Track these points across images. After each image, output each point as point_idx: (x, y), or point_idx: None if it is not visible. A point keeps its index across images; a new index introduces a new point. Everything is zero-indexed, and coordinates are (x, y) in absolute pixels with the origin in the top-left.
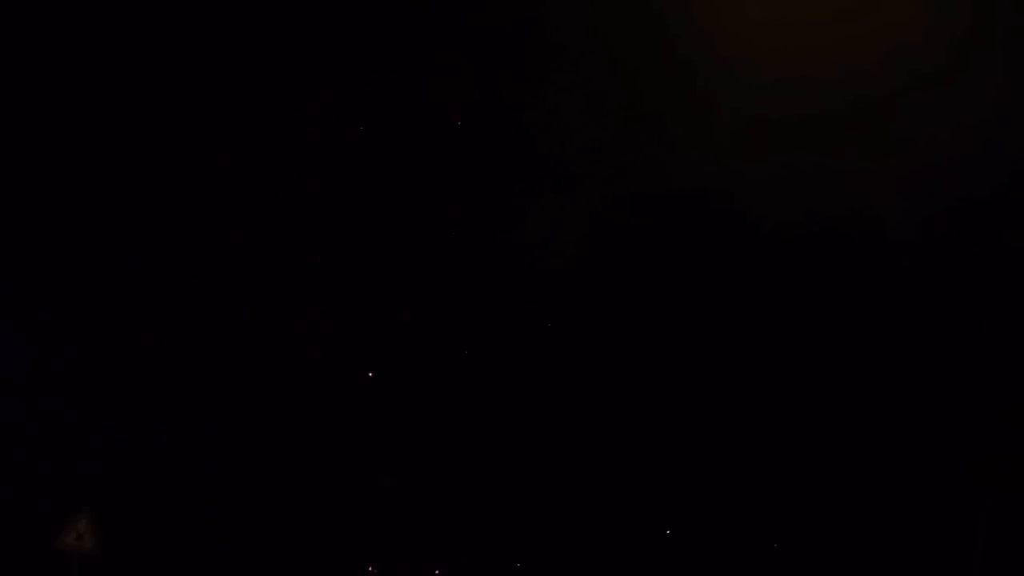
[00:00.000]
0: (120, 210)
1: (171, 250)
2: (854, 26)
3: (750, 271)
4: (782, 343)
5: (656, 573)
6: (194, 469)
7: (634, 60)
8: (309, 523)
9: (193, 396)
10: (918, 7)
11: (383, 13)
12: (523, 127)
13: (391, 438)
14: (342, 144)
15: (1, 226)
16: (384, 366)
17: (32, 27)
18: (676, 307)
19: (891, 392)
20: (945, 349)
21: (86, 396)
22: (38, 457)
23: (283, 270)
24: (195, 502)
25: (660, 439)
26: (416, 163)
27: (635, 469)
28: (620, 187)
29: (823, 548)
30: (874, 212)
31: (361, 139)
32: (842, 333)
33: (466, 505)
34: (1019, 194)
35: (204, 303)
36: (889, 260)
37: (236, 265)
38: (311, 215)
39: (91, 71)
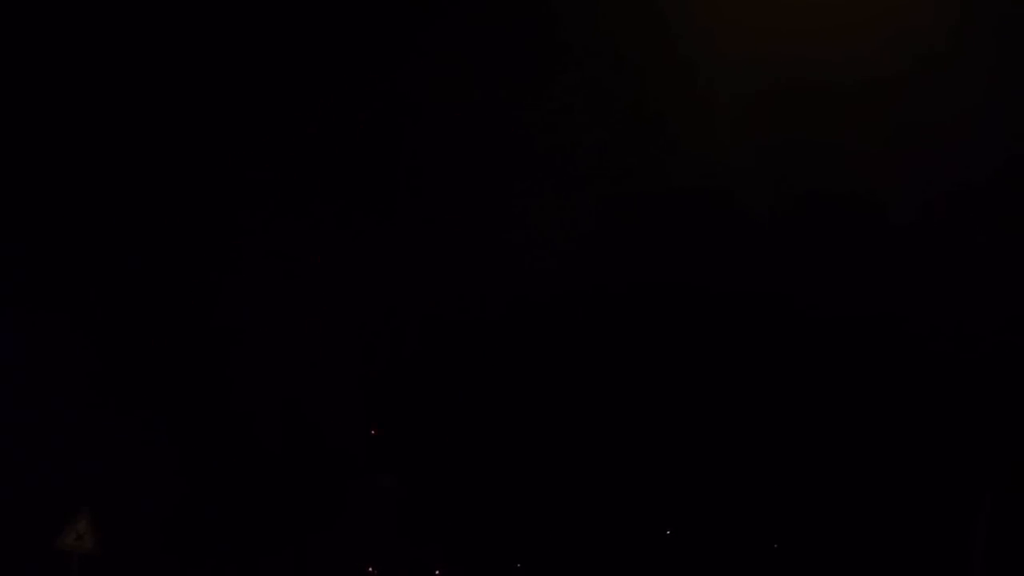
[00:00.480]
0: (120, 210)
1: (171, 250)
2: (854, 11)
3: (748, 260)
4: (781, 348)
5: (657, 573)
6: (194, 469)
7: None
8: (309, 523)
9: (193, 396)
10: None
11: (384, 13)
12: (524, 126)
13: (391, 438)
14: (342, 144)
15: (1, 226)
16: (384, 366)
17: (32, 27)
18: (676, 306)
19: (891, 394)
20: (943, 350)
21: (86, 396)
22: (38, 457)
23: (283, 270)
24: (195, 502)
25: (660, 439)
26: (417, 163)
27: (635, 469)
28: (626, 180)
29: (824, 550)
30: (874, 197)
31: (361, 139)
32: (843, 332)
33: (466, 505)
34: (1015, 182)
35: (204, 303)
36: (888, 257)
37: (236, 265)
38: (311, 215)
39: (92, 72)
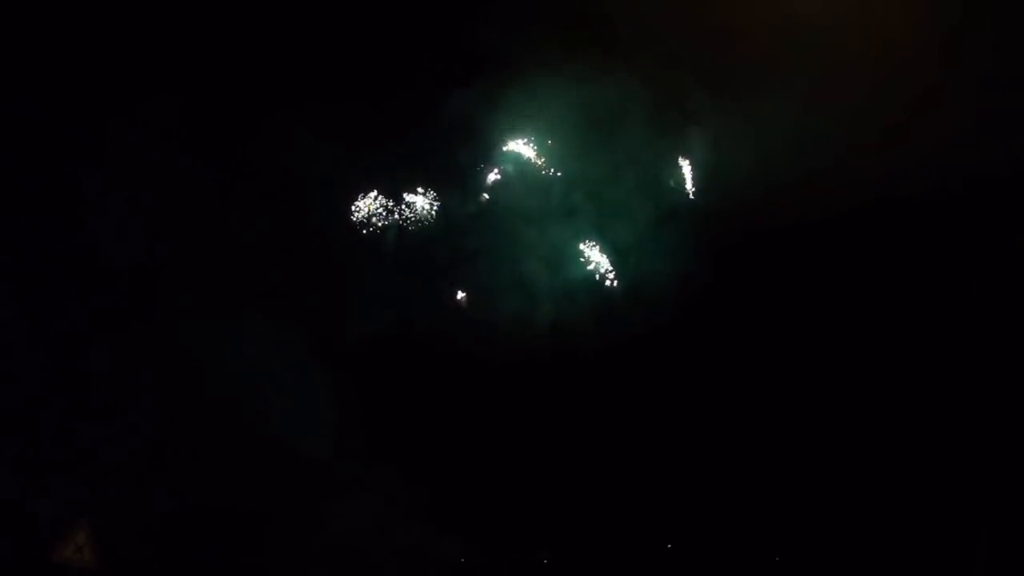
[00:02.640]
0: (118, 211)
1: (168, 250)
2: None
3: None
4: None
5: None
6: (193, 478)
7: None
8: (309, 529)
9: (190, 402)
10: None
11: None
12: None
13: (391, 440)
14: (345, 144)
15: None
16: (385, 367)
17: (31, 27)
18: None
19: (892, 406)
20: (943, 360)
21: (85, 403)
22: (37, 468)
23: (281, 269)
24: (194, 513)
25: (661, 446)
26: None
27: (636, 477)
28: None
29: (824, 563)
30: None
31: (368, 140)
32: (843, 347)
33: (467, 507)
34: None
35: (199, 303)
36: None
37: (232, 264)
38: (310, 214)
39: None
